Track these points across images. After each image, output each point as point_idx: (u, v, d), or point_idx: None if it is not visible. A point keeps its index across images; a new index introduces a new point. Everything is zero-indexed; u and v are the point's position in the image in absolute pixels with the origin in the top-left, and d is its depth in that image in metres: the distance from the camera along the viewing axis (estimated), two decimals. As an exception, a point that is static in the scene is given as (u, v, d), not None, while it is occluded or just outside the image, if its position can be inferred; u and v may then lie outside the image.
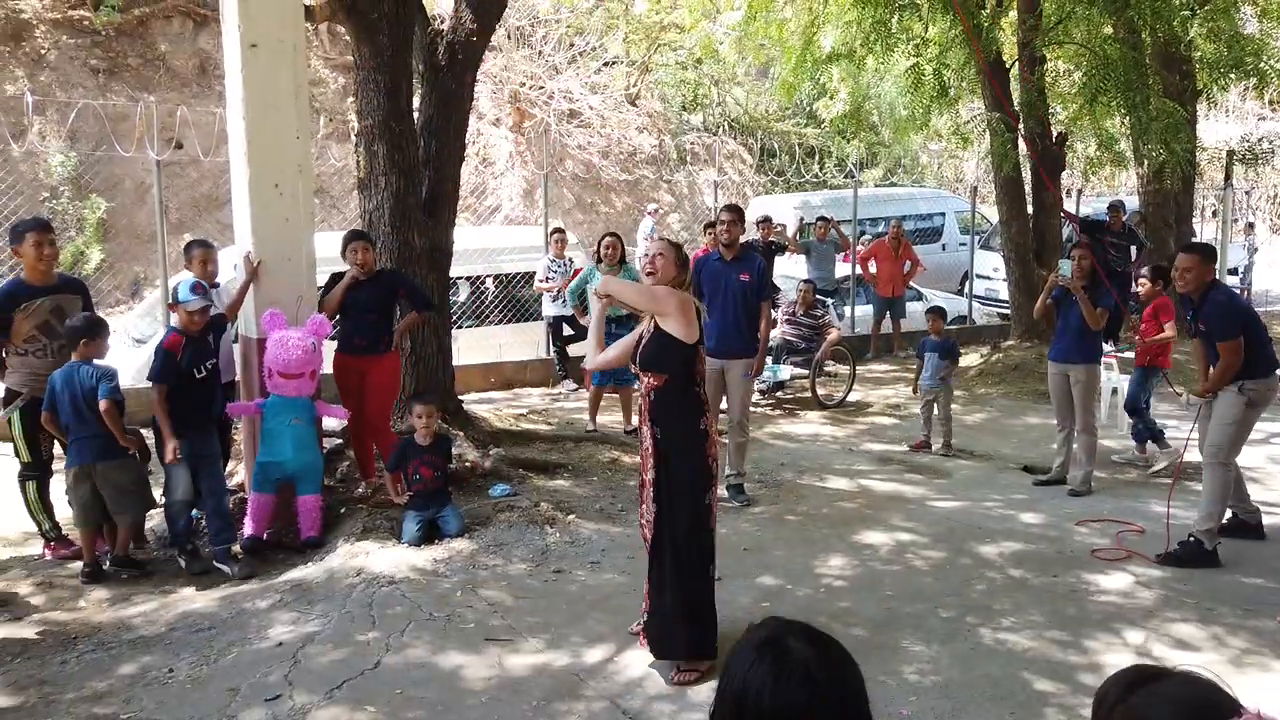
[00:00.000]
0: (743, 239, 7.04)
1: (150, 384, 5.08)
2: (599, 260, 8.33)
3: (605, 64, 20.87)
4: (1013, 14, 10.38)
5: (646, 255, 4.10)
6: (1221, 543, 5.35)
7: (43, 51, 16.42)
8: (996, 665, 4.17)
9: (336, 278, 6.02)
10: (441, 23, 6.86)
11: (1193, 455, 5.92)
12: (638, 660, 4.15)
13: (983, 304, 14.17)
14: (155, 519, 5.60)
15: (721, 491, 6.44)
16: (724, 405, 6.57)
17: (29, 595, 4.89)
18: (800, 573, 5.21)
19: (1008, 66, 10.47)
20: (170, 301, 6.20)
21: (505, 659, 4.15)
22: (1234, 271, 16.03)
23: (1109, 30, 9.93)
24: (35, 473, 5.23)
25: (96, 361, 4.98)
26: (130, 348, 8.57)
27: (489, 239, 11.01)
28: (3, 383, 5.16)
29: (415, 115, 6.78)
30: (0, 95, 15.39)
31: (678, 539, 3.99)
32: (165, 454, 5.03)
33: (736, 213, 6.51)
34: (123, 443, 4.98)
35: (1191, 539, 5.29)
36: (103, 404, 4.82)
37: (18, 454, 5.19)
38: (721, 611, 4.58)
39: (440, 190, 6.86)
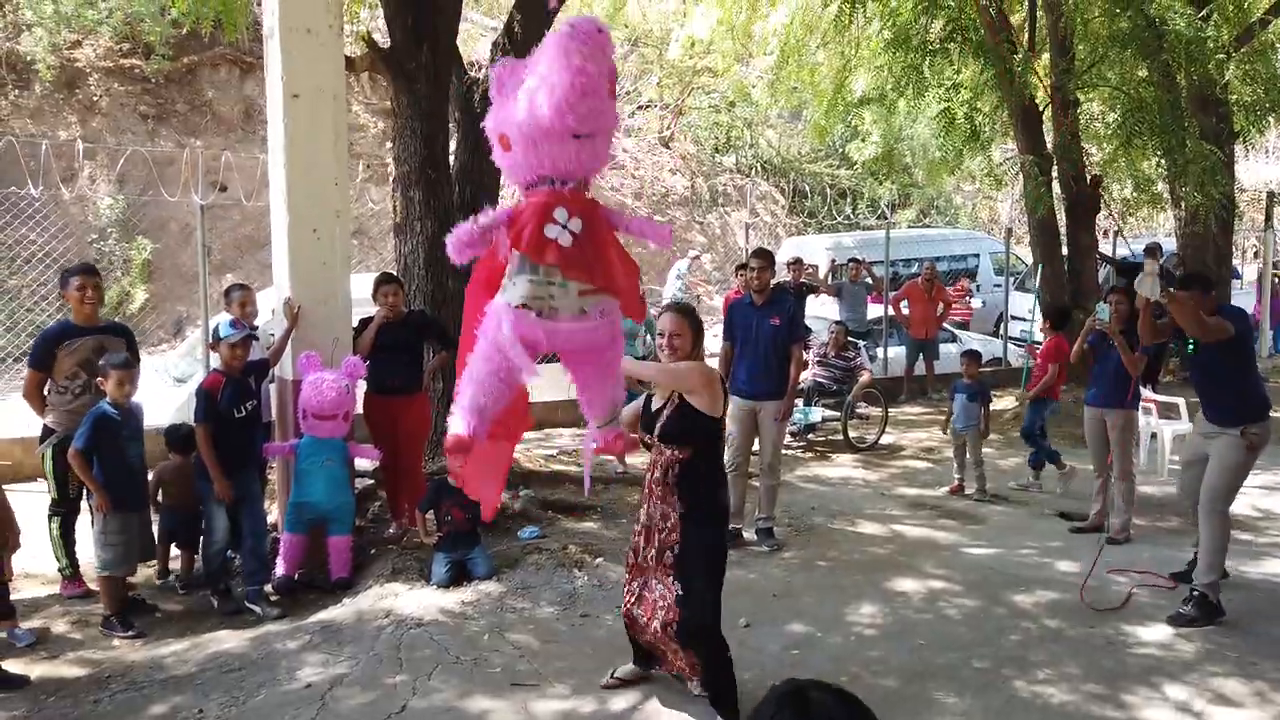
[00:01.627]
0: (774, 281, 7.11)
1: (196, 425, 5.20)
2: None
3: (640, 107, 21.13)
4: (1045, 57, 10.40)
5: (662, 334, 3.95)
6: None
7: (95, 98, 16.96)
8: (1032, 719, 4.08)
9: (365, 323, 6.12)
10: (478, 71, 7.01)
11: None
12: (664, 708, 4.11)
13: (1017, 345, 14.03)
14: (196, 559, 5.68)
15: (750, 535, 6.44)
16: (755, 447, 6.56)
17: (67, 632, 4.97)
18: (830, 620, 5.14)
19: (1041, 109, 10.47)
20: (210, 341, 6.33)
21: (531, 704, 4.14)
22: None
23: (1144, 73, 9.91)
24: (62, 509, 5.34)
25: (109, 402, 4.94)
26: (170, 386, 8.71)
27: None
28: (42, 419, 5.29)
29: (451, 161, 6.91)
30: (53, 140, 15.91)
31: (706, 619, 3.89)
32: (215, 493, 5.12)
33: (767, 258, 6.56)
34: (95, 495, 4.87)
35: (1197, 593, 5.15)
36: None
37: (49, 490, 5.30)
38: (750, 658, 4.56)
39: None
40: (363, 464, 6.34)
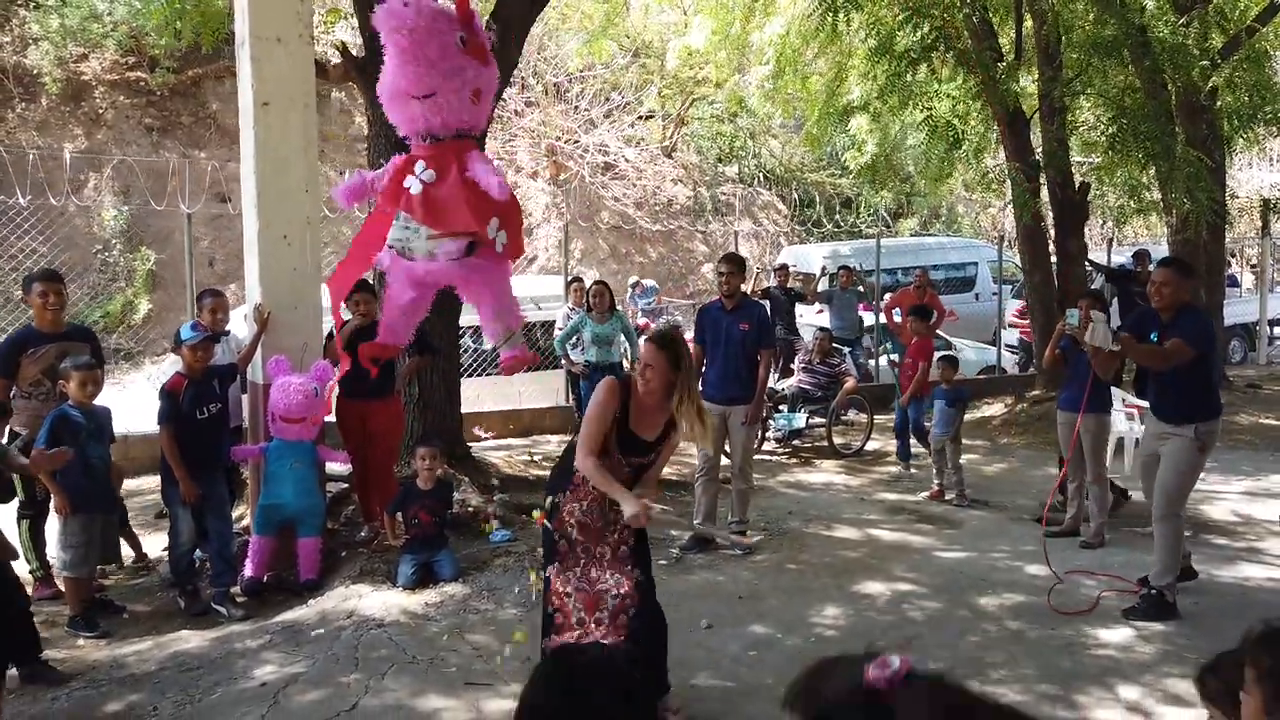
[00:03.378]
0: (768, 285, 7.19)
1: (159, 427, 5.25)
2: (589, 309, 8.45)
3: (641, 118, 21.24)
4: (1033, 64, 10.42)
5: (640, 362, 3.90)
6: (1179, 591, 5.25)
7: (100, 111, 17.18)
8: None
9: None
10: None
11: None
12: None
13: (1013, 353, 14.01)
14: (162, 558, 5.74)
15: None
16: (727, 450, 6.60)
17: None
18: (793, 622, 5.16)
19: (1029, 117, 10.48)
20: (173, 345, 6.42)
21: (483, 703, 4.18)
22: (1276, 323, 15.66)
23: (1130, 80, 9.90)
24: (30, 511, 5.39)
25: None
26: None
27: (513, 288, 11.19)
28: (8, 425, 5.36)
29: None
30: (59, 153, 16.13)
31: (655, 605, 4.04)
32: (180, 494, 5.19)
33: (736, 263, 6.58)
34: (55, 497, 4.86)
35: (1153, 592, 5.15)
36: None
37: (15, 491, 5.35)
38: (706, 659, 4.60)
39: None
40: (338, 467, 6.40)
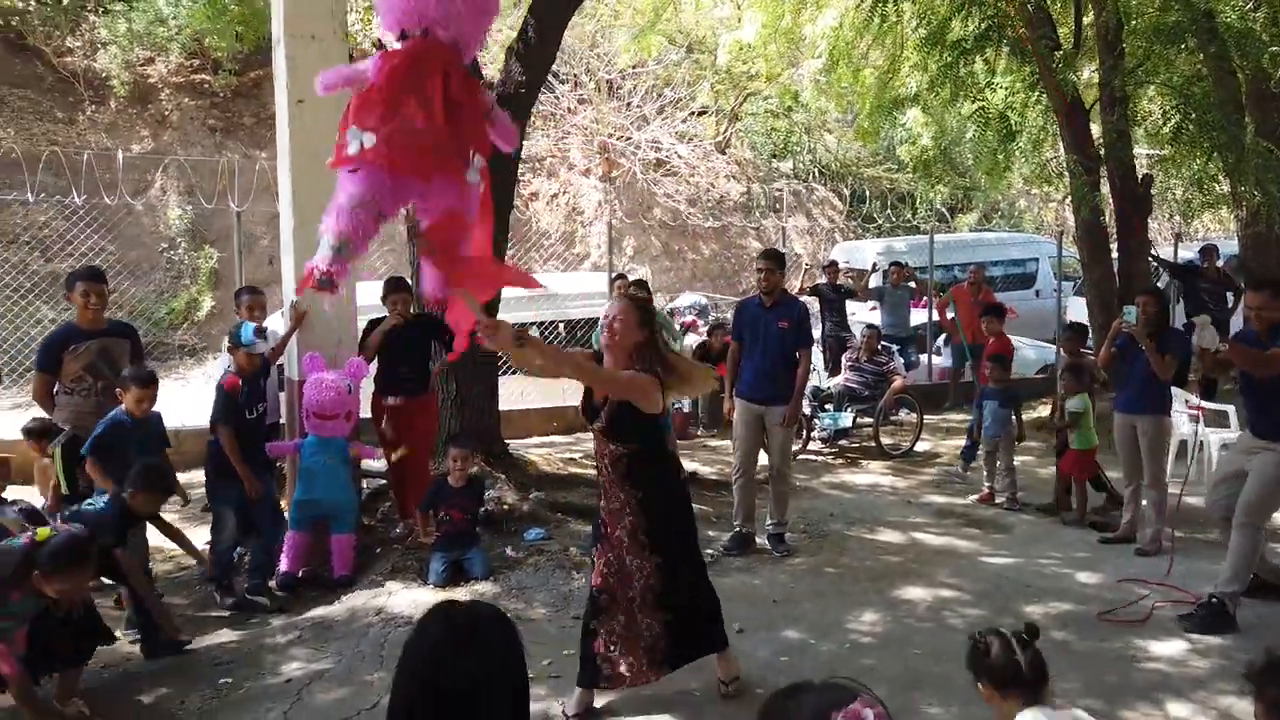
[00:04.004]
0: (818, 281, 6.85)
1: (215, 426, 5.31)
2: None
3: (694, 114, 21.09)
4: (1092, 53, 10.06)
5: (606, 316, 3.90)
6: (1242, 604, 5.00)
7: (166, 113, 17.61)
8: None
9: (374, 324, 6.20)
10: (491, 76, 7.07)
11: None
12: (641, 708, 4.06)
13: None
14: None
15: (762, 541, 6.34)
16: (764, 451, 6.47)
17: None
18: (828, 627, 5.03)
19: (1089, 107, 10.12)
20: (230, 344, 6.50)
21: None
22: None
23: (1197, 68, 9.51)
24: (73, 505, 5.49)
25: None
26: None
27: (559, 285, 11.18)
28: (53, 419, 5.47)
29: (466, 165, 6.96)
30: (126, 154, 16.59)
31: (694, 574, 4.10)
32: (245, 491, 5.25)
33: (774, 259, 6.43)
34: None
35: (1214, 600, 4.91)
36: None
37: (59, 486, 5.46)
38: (741, 663, 4.48)
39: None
40: (377, 464, 6.43)
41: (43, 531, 3.93)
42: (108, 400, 5.18)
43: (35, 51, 16.67)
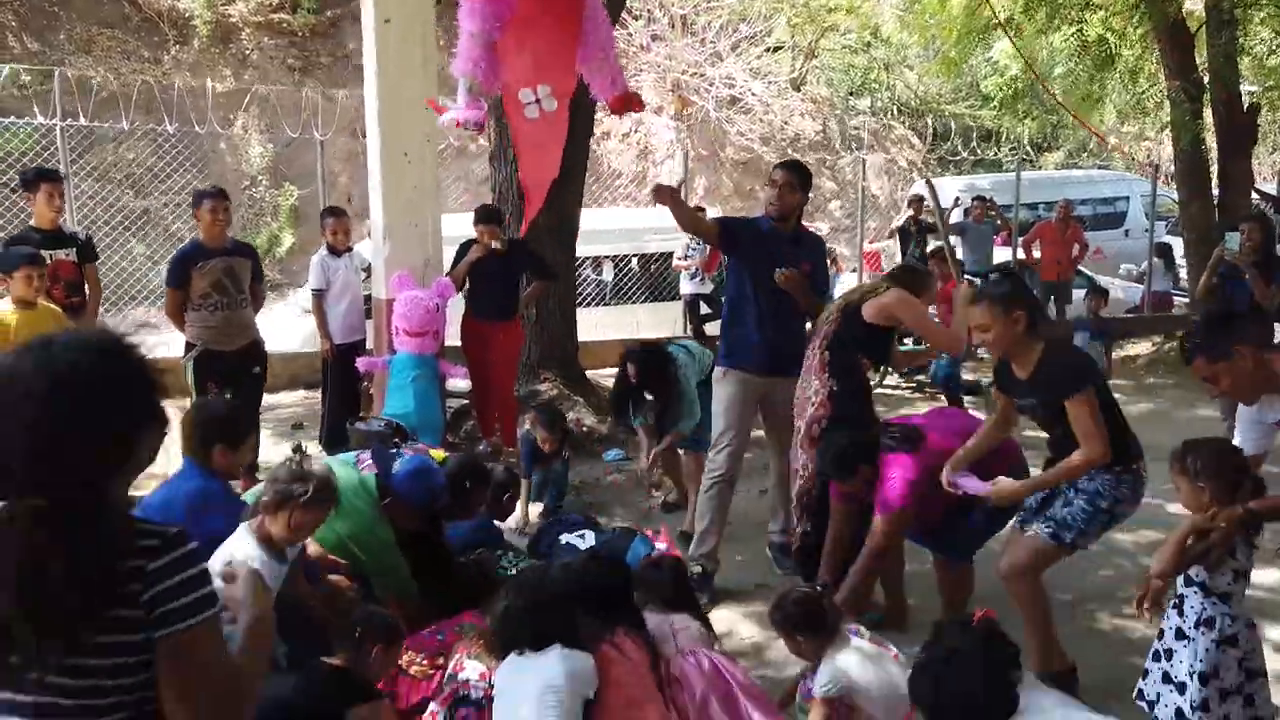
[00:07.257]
0: (898, 222, 5.86)
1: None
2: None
3: (769, 49, 20.64)
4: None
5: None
6: None
7: (247, 52, 17.89)
8: (1110, 651, 3.90)
9: (467, 246, 6.25)
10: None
11: None
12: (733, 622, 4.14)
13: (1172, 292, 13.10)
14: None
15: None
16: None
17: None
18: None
19: (1194, 31, 9.64)
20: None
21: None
22: None
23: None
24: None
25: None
26: (299, 317, 9.27)
27: (633, 220, 11.16)
28: (184, 335, 5.64)
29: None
30: (210, 92, 16.94)
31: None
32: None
33: (795, 171, 4.41)
34: None
35: None
36: None
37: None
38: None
39: (567, 164, 6.99)
40: (459, 383, 6.55)
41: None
42: (236, 317, 5.35)
43: (122, -9, 17.04)
